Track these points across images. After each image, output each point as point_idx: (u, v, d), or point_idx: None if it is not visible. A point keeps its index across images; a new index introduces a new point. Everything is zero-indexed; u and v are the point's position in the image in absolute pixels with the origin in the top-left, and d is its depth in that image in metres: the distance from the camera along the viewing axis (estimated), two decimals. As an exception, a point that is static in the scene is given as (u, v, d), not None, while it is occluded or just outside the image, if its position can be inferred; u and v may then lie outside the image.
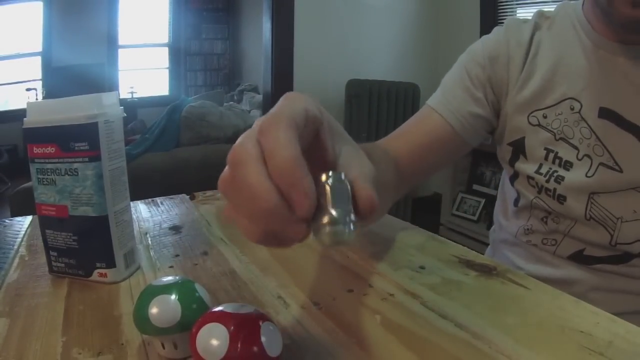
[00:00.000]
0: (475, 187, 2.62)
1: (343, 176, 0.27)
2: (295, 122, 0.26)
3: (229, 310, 0.32)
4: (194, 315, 0.33)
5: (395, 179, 0.60)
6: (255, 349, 0.30)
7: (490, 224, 2.49)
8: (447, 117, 0.67)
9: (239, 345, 0.29)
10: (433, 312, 0.42)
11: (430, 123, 0.68)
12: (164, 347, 0.36)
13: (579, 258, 0.63)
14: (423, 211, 2.84)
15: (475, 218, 2.54)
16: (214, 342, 0.30)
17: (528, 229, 0.69)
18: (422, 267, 0.51)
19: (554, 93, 0.62)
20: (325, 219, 0.25)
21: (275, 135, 0.25)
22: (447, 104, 0.68)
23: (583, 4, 0.62)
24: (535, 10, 0.68)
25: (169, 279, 0.37)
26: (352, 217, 0.25)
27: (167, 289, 0.36)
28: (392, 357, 0.36)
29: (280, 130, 0.25)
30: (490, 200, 2.47)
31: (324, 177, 0.26)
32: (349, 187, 0.27)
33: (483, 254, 0.56)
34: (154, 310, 0.34)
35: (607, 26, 0.57)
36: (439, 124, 0.67)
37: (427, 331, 0.39)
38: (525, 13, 2.45)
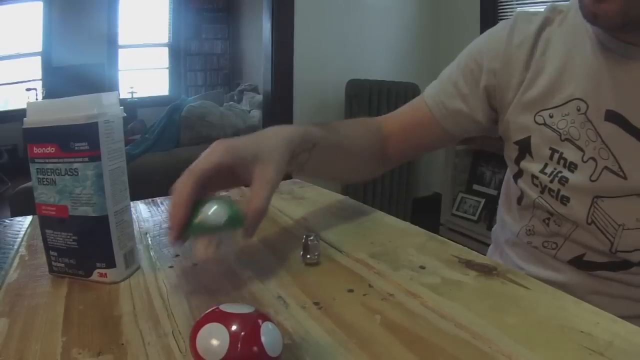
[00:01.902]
0: (475, 187, 2.62)
1: (313, 236, 0.52)
2: (201, 175, 0.46)
3: (229, 310, 0.32)
4: (239, 217, 0.44)
5: (377, 152, 0.73)
6: (255, 349, 0.30)
7: (490, 224, 2.49)
8: (431, 106, 0.72)
9: (239, 345, 0.30)
10: (433, 312, 0.42)
11: (419, 109, 0.74)
12: (208, 247, 0.43)
13: (578, 263, 0.63)
14: (423, 211, 2.84)
15: (475, 218, 2.53)
16: (214, 342, 0.30)
17: (530, 230, 0.68)
18: (422, 267, 0.51)
19: (561, 93, 0.60)
20: (307, 257, 0.52)
21: (180, 187, 0.45)
22: (435, 95, 0.72)
23: None
24: (536, 9, 0.66)
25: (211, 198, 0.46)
26: (316, 255, 0.52)
27: (212, 199, 0.45)
28: (392, 357, 0.36)
29: (184, 182, 0.46)
30: (490, 200, 2.47)
31: (304, 237, 0.52)
32: (317, 242, 0.52)
33: (483, 254, 0.56)
34: (207, 211, 0.43)
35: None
36: (425, 111, 0.73)
37: (427, 331, 0.39)
38: (525, 13, 2.44)
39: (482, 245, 2.12)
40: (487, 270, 0.50)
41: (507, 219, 0.75)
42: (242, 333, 0.30)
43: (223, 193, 0.51)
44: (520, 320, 0.41)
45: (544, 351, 0.36)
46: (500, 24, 0.68)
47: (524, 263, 0.70)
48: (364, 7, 2.62)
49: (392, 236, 0.61)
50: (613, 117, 0.56)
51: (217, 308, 0.32)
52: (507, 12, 2.49)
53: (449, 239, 0.59)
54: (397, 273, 0.50)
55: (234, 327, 0.30)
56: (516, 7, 2.46)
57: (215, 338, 0.30)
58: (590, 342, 0.37)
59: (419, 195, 2.96)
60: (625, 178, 0.56)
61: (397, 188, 2.74)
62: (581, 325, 0.39)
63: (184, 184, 0.45)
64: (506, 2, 2.49)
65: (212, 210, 0.43)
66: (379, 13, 2.67)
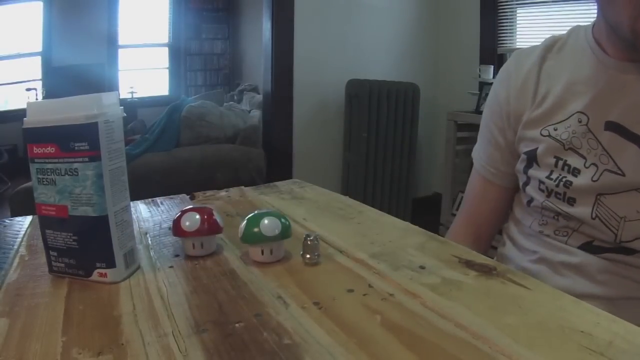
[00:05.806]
0: (475, 187, 2.61)
1: (313, 236, 0.52)
2: None
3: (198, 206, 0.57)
4: (288, 229, 0.53)
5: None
6: (213, 223, 0.55)
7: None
8: (485, 175, 0.80)
9: (205, 222, 0.54)
10: (433, 312, 0.42)
11: (482, 188, 0.82)
12: (262, 254, 0.52)
13: (589, 248, 0.67)
14: (423, 211, 2.84)
15: (475, 218, 2.53)
16: (188, 222, 0.54)
17: (542, 223, 0.73)
18: (422, 267, 0.51)
19: (565, 109, 0.67)
20: (307, 257, 0.52)
21: None
22: (481, 160, 0.80)
23: (593, 27, 0.67)
24: (535, 11, 0.69)
25: (265, 210, 0.54)
26: (316, 255, 0.52)
27: (269, 213, 0.53)
28: (392, 357, 0.36)
29: None
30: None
31: (304, 237, 0.52)
32: (317, 242, 0.52)
33: (482, 254, 0.56)
34: (263, 223, 0.51)
35: (616, 46, 0.62)
36: (486, 185, 0.80)
37: (427, 331, 0.39)
38: (525, 13, 2.45)
39: (482, 245, 2.12)
40: (487, 270, 0.50)
41: (519, 216, 0.79)
42: (205, 215, 0.54)
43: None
44: (520, 320, 0.41)
45: (544, 351, 0.36)
46: (501, 70, 0.76)
47: (539, 248, 0.73)
48: (363, 7, 2.62)
49: (392, 236, 0.61)
50: (612, 126, 0.62)
51: (188, 208, 0.56)
52: (507, 12, 2.49)
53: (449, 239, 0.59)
54: (397, 273, 0.50)
55: (200, 214, 0.54)
56: (516, 8, 2.46)
57: (190, 220, 0.53)
58: (590, 342, 0.37)
59: (419, 195, 2.96)
60: (623, 175, 0.61)
61: (397, 188, 2.74)
62: (581, 325, 0.39)
63: None
64: (506, 2, 2.49)
65: (267, 223, 0.52)
66: (379, 13, 2.67)
